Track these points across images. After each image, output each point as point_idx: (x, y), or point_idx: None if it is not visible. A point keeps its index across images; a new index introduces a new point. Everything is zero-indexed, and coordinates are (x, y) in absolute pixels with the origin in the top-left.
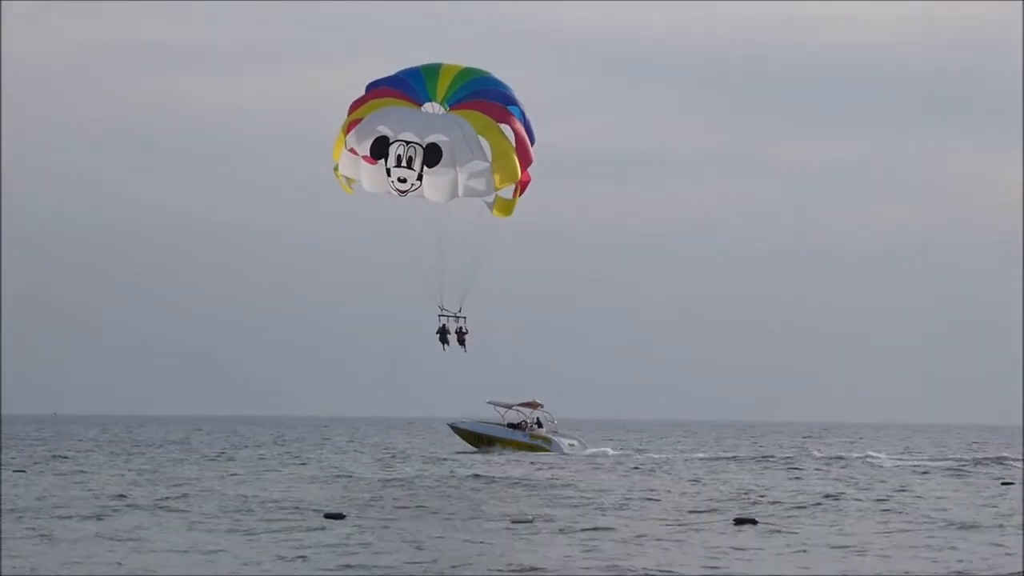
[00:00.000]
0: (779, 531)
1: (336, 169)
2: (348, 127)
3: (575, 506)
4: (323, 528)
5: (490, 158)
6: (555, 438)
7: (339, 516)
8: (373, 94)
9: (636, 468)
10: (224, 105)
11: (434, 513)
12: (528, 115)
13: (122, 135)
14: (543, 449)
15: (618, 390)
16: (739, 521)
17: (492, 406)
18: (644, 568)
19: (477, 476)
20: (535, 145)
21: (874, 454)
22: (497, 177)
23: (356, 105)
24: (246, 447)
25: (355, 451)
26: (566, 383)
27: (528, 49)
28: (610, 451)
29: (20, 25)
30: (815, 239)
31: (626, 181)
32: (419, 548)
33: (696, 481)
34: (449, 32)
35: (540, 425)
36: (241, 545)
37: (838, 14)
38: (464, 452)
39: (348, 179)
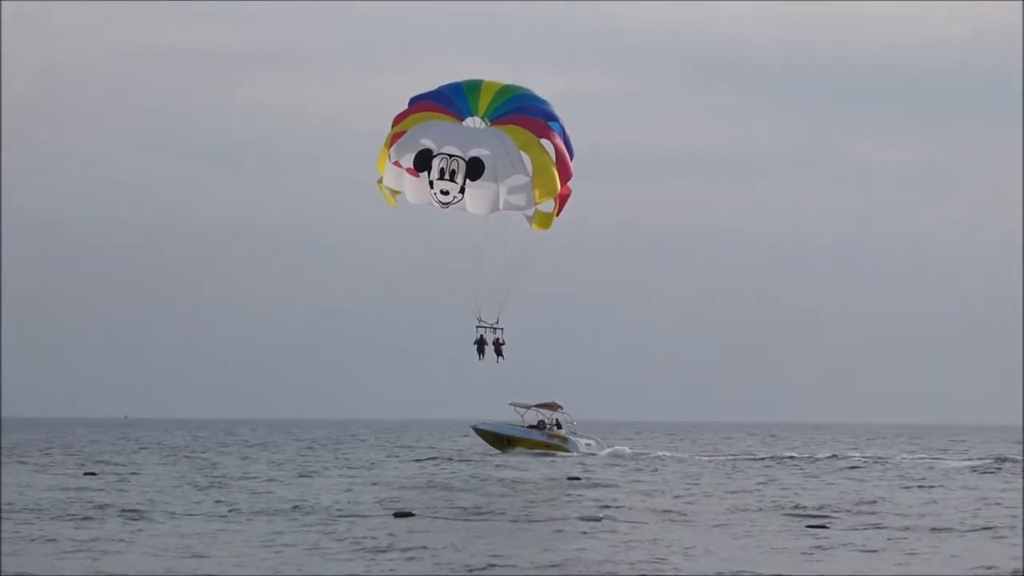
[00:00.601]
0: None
1: (380, 181)
2: (392, 140)
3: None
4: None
5: (531, 172)
6: (572, 438)
7: (407, 514)
8: (416, 108)
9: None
10: (278, 109)
11: (499, 512)
12: (568, 129)
13: (173, 141)
14: (561, 448)
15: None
16: (812, 526)
17: (512, 407)
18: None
19: (519, 477)
20: (574, 159)
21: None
22: (537, 191)
23: (399, 118)
24: (311, 449)
25: (394, 452)
26: (636, 384)
27: (595, 51)
28: (627, 450)
29: (69, 30)
30: (891, 241)
31: (698, 182)
32: (492, 549)
33: (768, 482)
34: (511, 34)
35: (560, 426)
36: (324, 543)
37: (912, 13)
38: (492, 454)
39: (392, 191)
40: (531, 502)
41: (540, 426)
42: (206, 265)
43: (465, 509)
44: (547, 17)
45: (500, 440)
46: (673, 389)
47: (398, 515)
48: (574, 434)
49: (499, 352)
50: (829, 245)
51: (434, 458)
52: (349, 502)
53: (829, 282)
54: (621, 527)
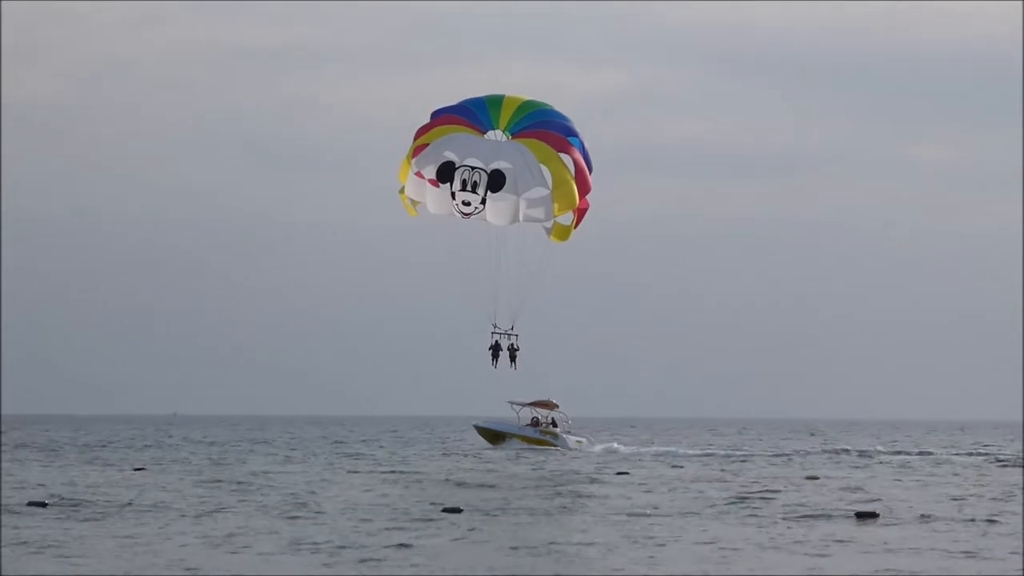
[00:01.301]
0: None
1: (402, 191)
2: (414, 152)
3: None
4: (441, 521)
5: (550, 186)
6: (563, 435)
7: (456, 510)
8: (439, 121)
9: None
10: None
11: (544, 504)
12: (588, 144)
13: (223, 139)
14: (550, 444)
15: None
16: (861, 515)
17: (510, 405)
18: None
19: (549, 472)
20: (592, 173)
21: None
22: (556, 204)
23: (422, 131)
24: (360, 447)
25: (419, 448)
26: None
27: (643, 47)
28: (617, 446)
29: (108, 28)
30: (939, 241)
31: (745, 179)
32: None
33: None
34: (556, 29)
35: (555, 424)
36: (371, 541)
37: (962, 11)
38: (489, 448)
39: (413, 201)
40: (578, 497)
41: (534, 423)
42: (236, 263)
43: (509, 504)
44: (595, 13)
45: (496, 437)
46: (712, 387)
47: (447, 511)
48: (568, 432)
49: (513, 359)
50: (873, 244)
51: (465, 451)
52: (396, 498)
53: (872, 281)
54: (674, 522)
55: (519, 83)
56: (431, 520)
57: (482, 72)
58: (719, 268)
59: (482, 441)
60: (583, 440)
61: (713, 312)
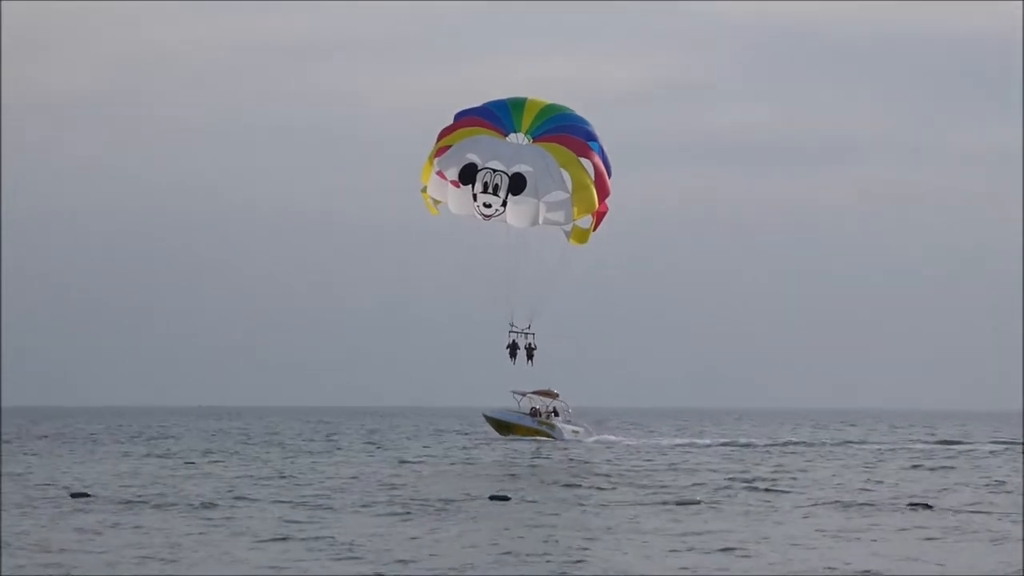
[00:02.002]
0: None
1: (424, 191)
2: (437, 152)
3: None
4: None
5: (570, 189)
6: (559, 425)
7: (504, 498)
8: (463, 123)
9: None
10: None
11: (595, 493)
12: (606, 149)
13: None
14: (547, 435)
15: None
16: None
17: (512, 394)
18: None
19: (586, 461)
20: (612, 177)
21: None
22: (576, 208)
23: (445, 133)
24: (390, 438)
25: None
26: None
27: (687, 36)
28: (612, 437)
29: (142, 20)
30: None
31: (792, 167)
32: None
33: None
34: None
35: (557, 414)
36: (429, 528)
37: None
38: (496, 438)
39: (435, 201)
40: (614, 485)
41: (533, 413)
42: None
43: (553, 492)
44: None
45: (501, 426)
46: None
47: (494, 498)
48: (568, 422)
49: (530, 356)
50: (932, 231)
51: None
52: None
53: (931, 271)
54: (730, 507)
55: (558, 77)
56: (481, 504)
57: (522, 62)
58: (766, 253)
59: (491, 429)
60: (579, 430)
61: (758, 296)
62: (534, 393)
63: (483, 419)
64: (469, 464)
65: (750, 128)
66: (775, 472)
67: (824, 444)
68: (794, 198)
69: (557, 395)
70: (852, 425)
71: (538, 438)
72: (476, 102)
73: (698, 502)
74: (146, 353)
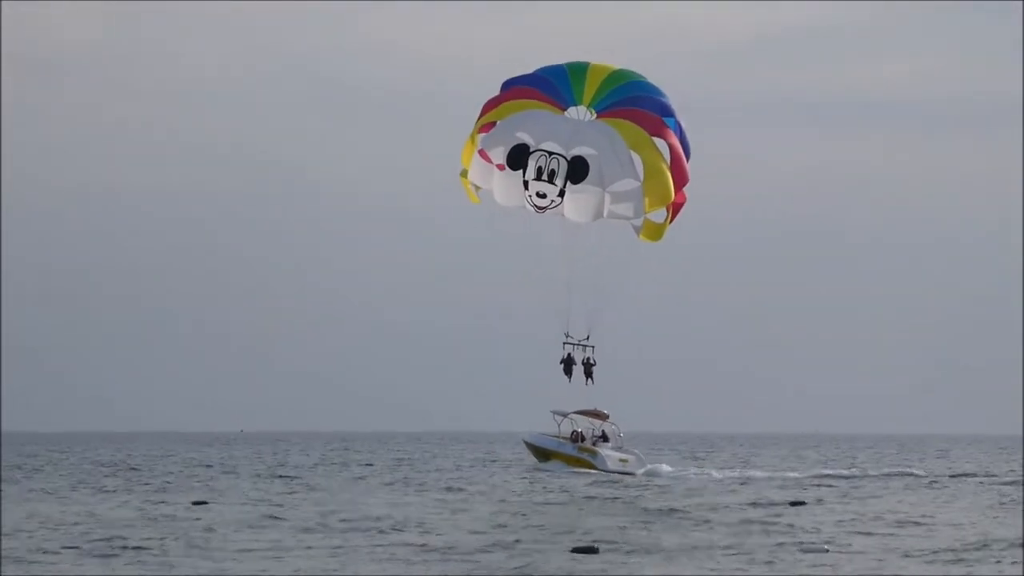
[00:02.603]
0: None
1: (464, 174)
2: (481, 129)
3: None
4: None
5: (642, 176)
6: (602, 452)
7: (592, 550)
8: (511, 94)
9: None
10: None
11: (693, 546)
12: (684, 124)
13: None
14: (588, 464)
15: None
16: None
17: (553, 416)
18: None
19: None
20: (690, 160)
21: None
22: (648, 199)
23: (490, 105)
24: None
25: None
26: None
27: None
28: (667, 468)
29: None
30: None
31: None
32: None
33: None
34: None
35: (606, 439)
36: None
37: None
38: (541, 468)
39: (476, 187)
40: (726, 530)
41: (574, 438)
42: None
43: (647, 541)
44: None
45: (540, 453)
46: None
47: (578, 551)
48: (620, 448)
49: (589, 374)
50: None
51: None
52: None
53: None
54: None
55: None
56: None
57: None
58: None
59: (531, 457)
60: (628, 458)
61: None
62: (577, 413)
63: (523, 445)
64: (511, 500)
65: None
66: (895, 511)
67: (888, 475)
68: None
69: (607, 416)
70: (894, 452)
71: (577, 469)
72: (531, 65)
73: (827, 550)
74: (182, 380)
